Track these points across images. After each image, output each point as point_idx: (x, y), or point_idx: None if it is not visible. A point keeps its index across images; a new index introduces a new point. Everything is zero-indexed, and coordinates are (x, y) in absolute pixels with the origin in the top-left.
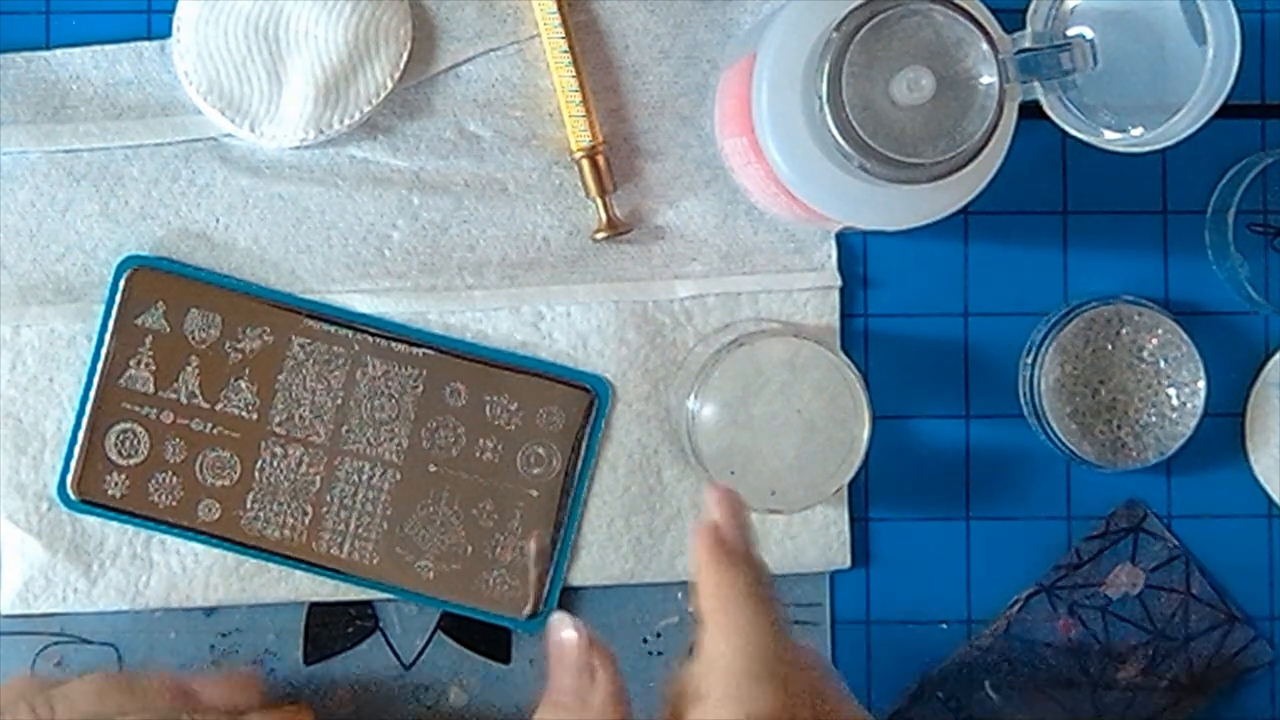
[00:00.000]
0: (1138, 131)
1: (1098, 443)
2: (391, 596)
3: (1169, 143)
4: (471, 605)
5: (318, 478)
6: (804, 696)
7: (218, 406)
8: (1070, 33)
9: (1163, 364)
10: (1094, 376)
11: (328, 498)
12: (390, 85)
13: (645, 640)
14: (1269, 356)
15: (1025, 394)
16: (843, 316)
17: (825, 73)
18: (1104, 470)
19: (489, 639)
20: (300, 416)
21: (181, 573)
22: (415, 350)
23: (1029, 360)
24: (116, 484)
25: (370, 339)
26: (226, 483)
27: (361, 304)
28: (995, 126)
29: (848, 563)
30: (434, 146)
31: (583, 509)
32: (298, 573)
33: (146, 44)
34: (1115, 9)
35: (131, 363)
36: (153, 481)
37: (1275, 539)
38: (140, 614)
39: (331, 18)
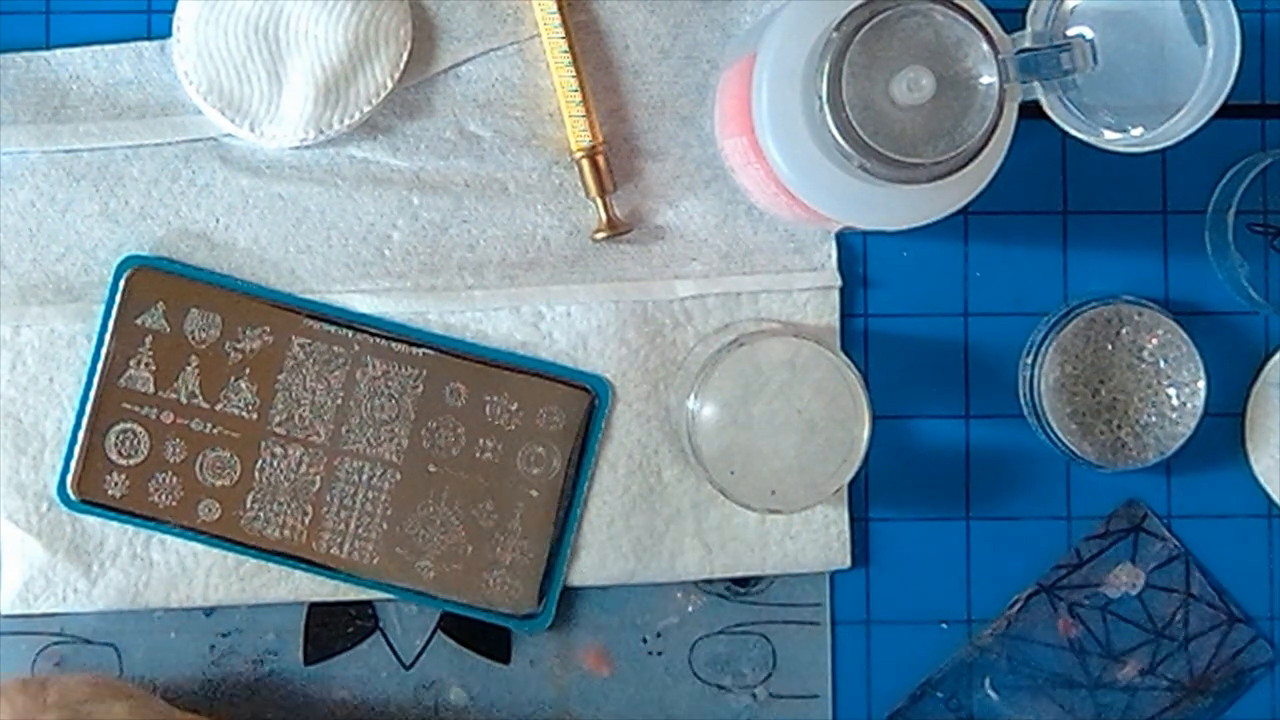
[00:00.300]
0: (1138, 131)
1: (1098, 443)
2: (391, 596)
3: (1169, 143)
4: (471, 605)
5: (318, 478)
6: None
7: (218, 406)
8: (1070, 33)
9: (1163, 364)
10: (1094, 376)
11: (328, 498)
12: (390, 85)
13: (645, 640)
14: (1269, 356)
15: (1025, 394)
16: (843, 316)
17: (825, 73)
18: (1104, 470)
19: (489, 639)
20: (300, 416)
21: (181, 573)
22: (415, 350)
23: (1029, 360)
24: (116, 484)
25: (370, 339)
26: (226, 483)
27: (361, 304)
28: (995, 126)
29: (848, 563)
30: (434, 146)
31: (583, 509)
32: (298, 573)
33: (146, 44)
34: (1115, 9)
35: (131, 363)
36: (153, 481)
37: (1275, 539)
38: (140, 614)
39: (331, 18)
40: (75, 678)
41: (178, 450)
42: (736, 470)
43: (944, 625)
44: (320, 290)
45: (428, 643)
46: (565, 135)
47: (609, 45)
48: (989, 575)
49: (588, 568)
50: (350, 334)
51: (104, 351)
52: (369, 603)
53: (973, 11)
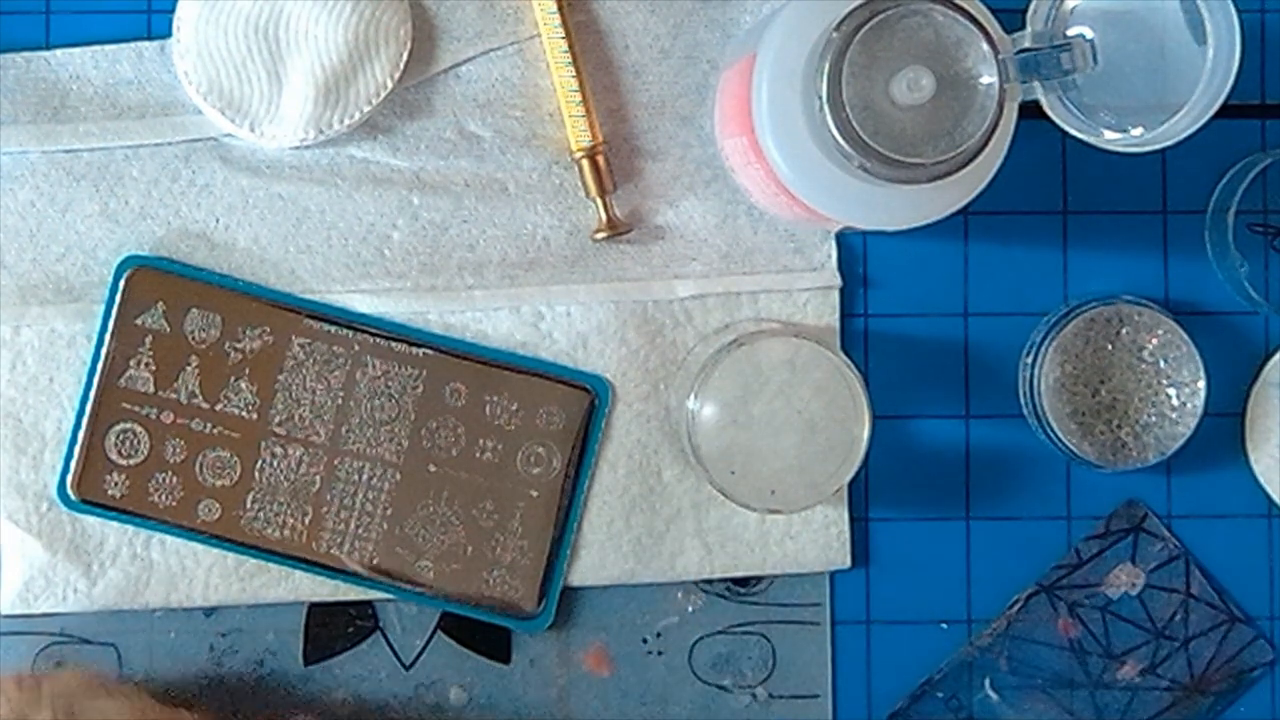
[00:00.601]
0: (1138, 131)
1: (1098, 443)
2: (391, 596)
3: (1169, 143)
4: (471, 605)
5: (318, 478)
6: None
7: (218, 406)
8: (1070, 33)
9: (1163, 364)
10: (1094, 376)
11: (328, 498)
12: (390, 85)
13: (645, 640)
14: (1269, 356)
15: (1025, 394)
16: (843, 316)
17: (825, 73)
18: (1104, 470)
19: (489, 639)
20: (300, 416)
21: (181, 573)
22: (415, 350)
23: (1029, 360)
24: (116, 484)
25: (370, 339)
26: (226, 483)
27: (361, 304)
28: (995, 126)
29: (848, 563)
30: (434, 146)
31: (583, 509)
32: (298, 573)
33: (146, 44)
34: (1115, 9)
35: (131, 363)
36: (153, 481)
37: (1275, 539)
38: (140, 614)
39: (331, 18)
40: (69, 674)
41: (178, 450)
42: (736, 470)
43: (944, 625)
44: (320, 290)
45: (428, 643)
46: (565, 135)
47: (609, 45)
48: (989, 575)
49: (588, 568)
50: (350, 334)
51: (104, 351)
52: (369, 603)
53: (973, 11)
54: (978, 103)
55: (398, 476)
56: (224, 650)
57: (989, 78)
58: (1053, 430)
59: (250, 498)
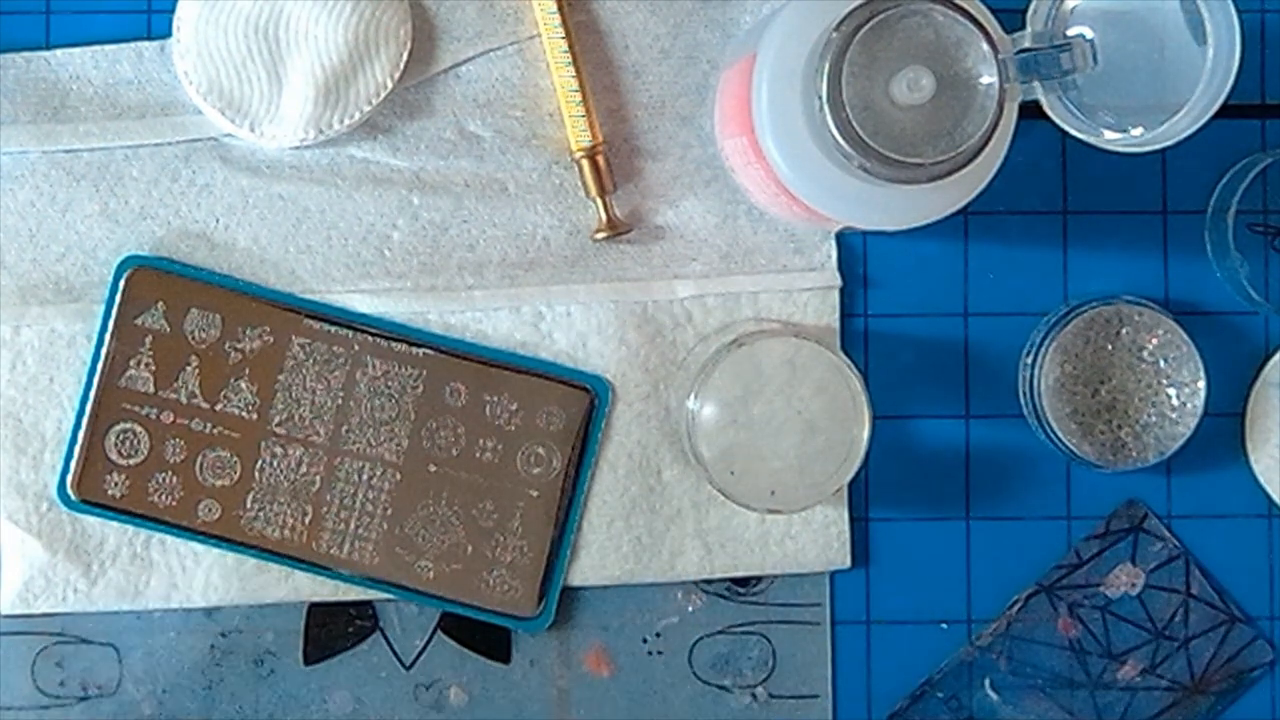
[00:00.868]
0: (1138, 131)
1: (1098, 443)
2: (391, 596)
3: (1169, 143)
4: (471, 605)
5: (318, 478)
6: None
7: (218, 406)
8: (1070, 33)
9: (1163, 364)
10: (1094, 376)
11: (328, 498)
12: (390, 85)
13: (645, 640)
14: (1269, 356)
15: (1025, 394)
16: (843, 316)
17: (825, 73)
18: (1104, 470)
19: (489, 639)
20: (300, 416)
21: (181, 573)
22: (415, 350)
23: (1029, 360)
24: (116, 484)
25: (370, 339)
26: (226, 483)
27: (361, 304)
28: (995, 126)
29: (848, 563)
30: (434, 146)
31: (583, 509)
32: (298, 573)
33: (146, 44)
34: (1115, 9)
35: (131, 363)
36: (153, 481)
37: (1275, 539)
38: (140, 614)
39: (331, 18)
40: None
41: (178, 450)
42: (736, 470)
43: (944, 625)
44: (320, 290)
45: (428, 643)
46: (565, 135)
47: (609, 45)
48: (989, 575)
49: (588, 568)
50: (350, 334)
51: (104, 351)
52: (369, 603)
53: (973, 11)
54: (978, 103)
55: (398, 476)
56: (224, 650)
57: (989, 78)
58: (1053, 430)
59: (250, 498)
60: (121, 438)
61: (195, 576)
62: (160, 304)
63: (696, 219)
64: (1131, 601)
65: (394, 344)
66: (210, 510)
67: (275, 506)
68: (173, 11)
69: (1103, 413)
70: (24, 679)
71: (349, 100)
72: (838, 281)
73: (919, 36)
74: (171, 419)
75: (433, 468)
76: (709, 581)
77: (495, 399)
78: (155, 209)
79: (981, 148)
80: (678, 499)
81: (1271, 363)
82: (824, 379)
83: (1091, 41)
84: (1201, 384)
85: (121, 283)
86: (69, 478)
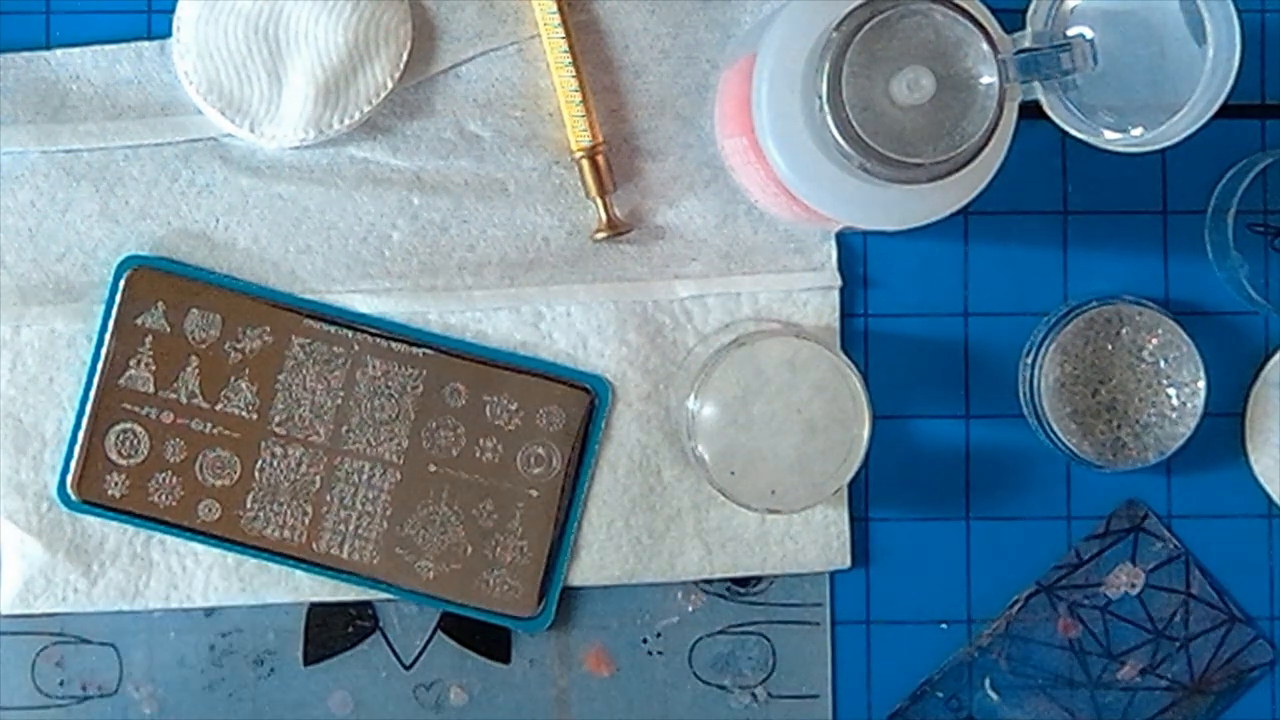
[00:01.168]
0: (1138, 131)
1: (1098, 443)
2: (391, 596)
3: (1169, 143)
4: (471, 605)
5: (318, 478)
6: None
7: (218, 406)
8: (1070, 33)
9: (1163, 364)
10: (1094, 376)
11: (328, 498)
12: (390, 85)
13: (645, 640)
14: (1269, 356)
15: (1025, 394)
16: (843, 316)
17: (825, 73)
18: (1104, 470)
19: (489, 639)
20: (300, 416)
21: (181, 573)
22: (415, 350)
23: (1029, 360)
24: (116, 484)
25: (370, 339)
26: (226, 483)
27: (361, 304)
28: (995, 126)
29: (848, 563)
30: (434, 146)
31: (583, 509)
32: (298, 573)
33: (146, 44)
34: (1115, 9)
35: (131, 363)
36: (153, 481)
37: (1275, 539)
38: (140, 614)
39: (331, 18)
40: None
41: (178, 450)
42: (736, 470)
43: (944, 625)
44: (320, 290)
45: (428, 643)
46: (565, 135)
47: (609, 45)
48: (989, 575)
49: (588, 568)
50: (350, 334)
51: (104, 351)
52: (369, 603)
53: (973, 11)
54: (978, 103)
55: (398, 476)
56: (224, 650)
57: (989, 78)
58: (1053, 430)
59: (250, 498)
60: (121, 438)
61: (195, 576)
62: (160, 304)
63: (696, 219)
64: (1131, 601)
65: (394, 344)
66: (210, 510)
67: (275, 506)
68: (173, 11)
69: (1103, 413)
70: (24, 679)
71: (349, 100)
72: (838, 281)
73: (919, 36)
74: (171, 419)
75: (433, 468)
76: (709, 581)
77: (495, 399)
78: (155, 209)
79: (981, 148)
80: (678, 499)
81: (1271, 363)
82: (824, 379)
83: (1091, 41)
84: (1201, 384)
85: (121, 283)
86: (69, 478)
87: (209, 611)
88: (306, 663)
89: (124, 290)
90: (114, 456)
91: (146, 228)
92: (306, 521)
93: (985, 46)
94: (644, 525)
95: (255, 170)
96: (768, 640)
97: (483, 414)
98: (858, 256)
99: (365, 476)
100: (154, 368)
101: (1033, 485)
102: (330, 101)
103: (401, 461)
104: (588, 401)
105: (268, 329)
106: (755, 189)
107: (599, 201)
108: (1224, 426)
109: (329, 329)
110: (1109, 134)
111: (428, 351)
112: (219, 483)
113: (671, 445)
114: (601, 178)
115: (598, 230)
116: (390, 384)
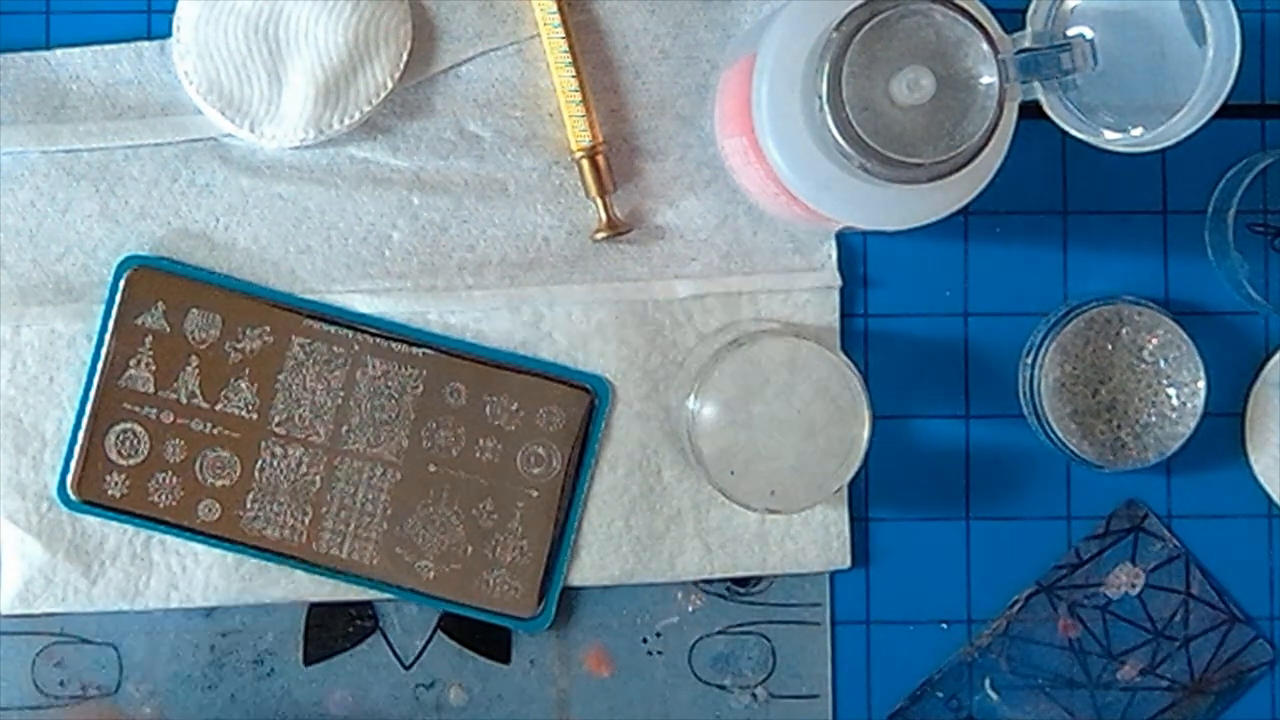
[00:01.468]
0: (1138, 131)
1: (1098, 443)
2: (391, 596)
3: (1169, 143)
4: (471, 605)
5: (318, 478)
6: None
7: (218, 406)
8: (1070, 33)
9: (1163, 364)
10: (1094, 376)
11: (328, 498)
12: (390, 85)
13: (645, 640)
14: (1269, 356)
15: (1025, 394)
16: (843, 316)
17: (825, 73)
18: (1104, 470)
19: (489, 639)
20: (300, 416)
21: (181, 573)
22: (415, 350)
23: (1029, 360)
24: (116, 484)
25: (370, 339)
26: (226, 483)
27: (361, 304)
28: (995, 126)
29: (848, 563)
30: (434, 146)
31: (583, 509)
32: (298, 573)
33: (146, 44)
34: (1115, 9)
35: (131, 363)
36: (153, 481)
37: (1275, 539)
38: (140, 614)
39: (331, 18)
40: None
41: (178, 450)
42: (736, 470)
43: (944, 625)
44: (320, 290)
45: (428, 643)
46: (565, 135)
47: (609, 45)
48: (989, 575)
49: (588, 568)
50: (350, 334)
51: (104, 351)
52: (369, 603)
53: (973, 11)
54: (978, 103)
55: (398, 476)
56: (224, 650)
57: (989, 78)
58: (1053, 430)
59: (250, 498)
60: (121, 438)
61: (195, 576)
62: (160, 304)
63: (696, 219)
64: (1131, 601)
65: (394, 344)
66: (210, 510)
67: (275, 506)
68: (173, 11)
69: (1103, 413)
70: (24, 679)
71: (349, 100)
72: (838, 281)
73: (919, 36)
74: (171, 419)
75: (433, 468)
76: (709, 581)
77: (495, 399)
78: (155, 209)
79: (981, 148)
80: (678, 499)
81: (1271, 363)
82: (824, 379)
83: (1091, 41)
84: (1201, 384)
85: (121, 283)
86: (69, 478)
87: (209, 611)
88: (306, 663)
89: (124, 290)
90: (114, 456)
91: (146, 228)
92: (306, 521)
93: (985, 46)
94: (644, 525)
95: (255, 170)
96: (768, 640)
97: (483, 414)
98: (858, 256)
99: (365, 476)
100: (154, 368)
101: (1033, 485)
102: (330, 101)
103: (401, 461)
104: (587, 401)
105: (268, 329)
106: (755, 189)
107: (599, 201)
108: (1224, 426)
109: (329, 329)
110: (1109, 134)
111: (428, 351)
112: (219, 483)
113: (671, 445)
114: (601, 178)
115: (598, 230)
116: (390, 384)
